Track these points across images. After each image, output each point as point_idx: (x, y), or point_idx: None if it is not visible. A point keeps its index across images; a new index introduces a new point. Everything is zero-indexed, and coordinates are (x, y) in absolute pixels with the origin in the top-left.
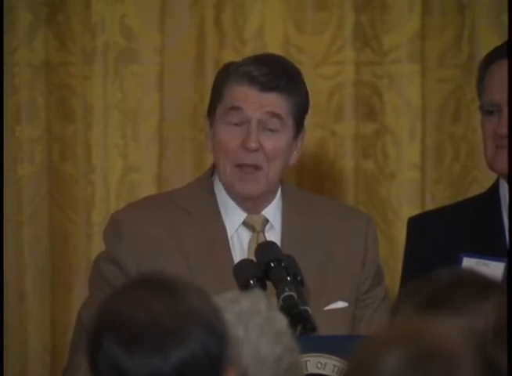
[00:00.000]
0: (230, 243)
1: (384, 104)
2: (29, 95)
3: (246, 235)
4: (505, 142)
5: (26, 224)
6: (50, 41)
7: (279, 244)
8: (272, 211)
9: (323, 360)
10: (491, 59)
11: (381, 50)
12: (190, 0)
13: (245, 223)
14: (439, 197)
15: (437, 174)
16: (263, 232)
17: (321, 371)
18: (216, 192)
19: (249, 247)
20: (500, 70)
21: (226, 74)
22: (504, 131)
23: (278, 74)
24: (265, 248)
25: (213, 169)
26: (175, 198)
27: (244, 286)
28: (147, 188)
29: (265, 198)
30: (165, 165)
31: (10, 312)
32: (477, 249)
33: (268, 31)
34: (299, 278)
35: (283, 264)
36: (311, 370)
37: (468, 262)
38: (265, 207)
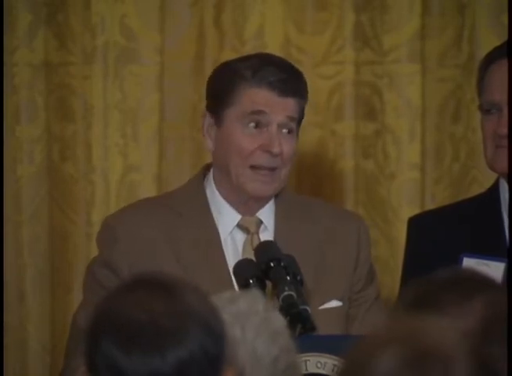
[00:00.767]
0: (223, 244)
1: (384, 104)
2: (29, 95)
3: (240, 237)
4: (505, 142)
5: (26, 224)
6: (50, 41)
7: None
8: (266, 213)
9: (323, 360)
10: (491, 58)
11: (381, 50)
12: (190, 0)
13: (239, 225)
14: (439, 197)
15: (437, 174)
16: (257, 233)
17: (321, 371)
18: (208, 194)
19: (243, 248)
20: (500, 70)
21: (239, 77)
22: (504, 131)
23: (294, 79)
24: (264, 248)
25: (204, 171)
26: (167, 201)
27: (244, 285)
28: (147, 188)
29: (264, 200)
30: (165, 165)
31: (10, 312)
32: (478, 249)
33: (268, 31)
34: (299, 278)
35: (282, 263)
36: (311, 369)
37: (468, 262)
38: (261, 208)
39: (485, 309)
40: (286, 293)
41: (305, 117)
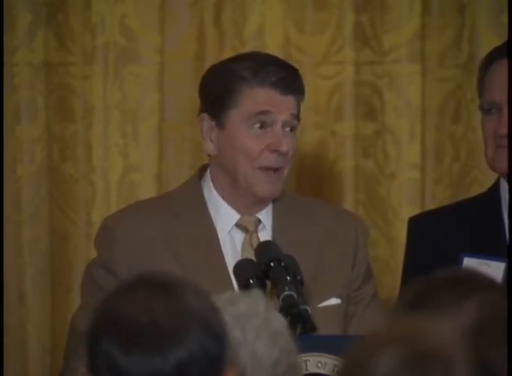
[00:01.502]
0: (222, 244)
1: (384, 104)
2: (29, 95)
3: (238, 236)
4: (505, 142)
5: (26, 224)
6: (50, 41)
7: None
8: (264, 212)
9: (323, 360)
10: (491, 58)
11: (381, 50)
12: (190, 0)
13: (237, 224)
14: (439, 197)
15: (437, 174)
16: (256, 232)
17: (321, 371)
18: (206, 194)
19: (242, 248)
20: (501, 70)
21: (238, 78)
22: (504, 130)
23: (293, 77)
24: (264, 248)
25: (202, 171)
26: (165, 201)
27: (244, 285)
28: (147, 188)
29: (269, 201)
30: (165, 165)
31: (10, 312)
32: (478, 249)
33: (268, 31)
34: (299, 278)
35: (282, 263)
36: (311, 369)
37: (469, 262)
38: (261, 209)
39: (481, 308)
40: (286, 293)
41: (305, 118)
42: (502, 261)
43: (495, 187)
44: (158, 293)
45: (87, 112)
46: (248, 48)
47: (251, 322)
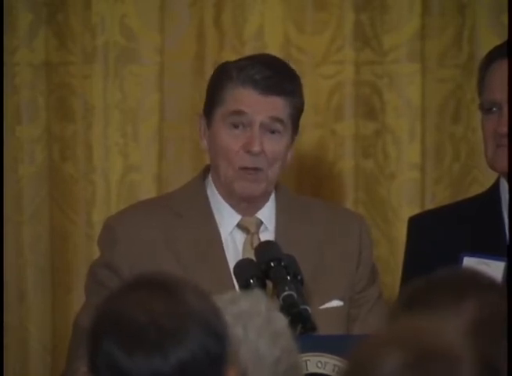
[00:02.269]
0: (224, 245)
1: (384, 104)
2: (29, 95)
3: (240, 237)
4: (505, 141)
5: (26, 224)
6: (50, 40)
7: None
8: (267, 213)
9: (323, 360)
10: (491, 58)
11: (381, 50)
12: (190, 0)
13: (239, 225)
14: (439, 197)
15: (437, 174)
16: (257, 233)
17: (321, 371)
18: (209, 195)
19: (244, 248)
20: (501, 69)
21: (226, 76)
22: (504, 129)
23: (280, 77)
24: (265, 248)
25: (206, 172)
26: (167, 202)
27: (244, 285)
28: (147, 188)
29: (261, 200)
30: (165, 165)
31: (10, 312)
32: (478, 248)
33: (267, 31)
34: (299, 277)
35: (282, 263)
36: (312, 369)
37: (469, 262)
38: (260, 209)
39: (480, 308)
40: (286, 293)
41: (305, 117)
42: (502, 260)
43: (495, 187)
44: (159, 293)
45: (87, 112)
46: (248, 48)
47: (253, 320)
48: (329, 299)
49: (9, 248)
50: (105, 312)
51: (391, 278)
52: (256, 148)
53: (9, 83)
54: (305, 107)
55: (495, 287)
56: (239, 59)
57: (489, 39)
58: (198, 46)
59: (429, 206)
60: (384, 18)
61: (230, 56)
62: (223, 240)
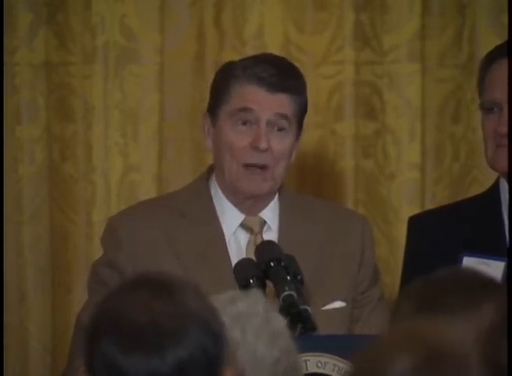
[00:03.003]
0: (227, 245)
1: (384, 104)
2: (29, 95)
3: (243, 237)
4: (505, 141)
5: (26, 224)
6: (50, 40)
7: None
8: (270, 213)
9: (323, 360)
10: (492, 58)
11: (381, 50)
12: (190, 0)
13: (242, 225)
14: (439, 197)
15: (437, 174)
16: (261, 233)
17: (321, 370)
18: (213, 194)
19: (247, 248)
20: (501, 69)
21: (232, 75)
22: (505, 129)
23: (285, 75)
24: (265, 248)
25: (209, 172)
26: (170, 201)
27: (244, 285)
28: (147, 188)
29: (265, 199)
30: (165, 165)
31: (10, 312)
32: (478, 248)
33: (267, 31)
34: (299, 277)
35: (282, 263)
36: (311, 369)
37: (468, 262)
38: (263, 208)
39: (497, 312)
40: (286, 293)
41: (306, 117)
42: (501, 260)
43: (495, 187)
44: (158, 293)
45: (87, 112)
46: (248, 48)
47: (251, 322)
48: (332, 300)
49: (9, 248)
50: (104, 312)
51: (391, 278)
52: (263, 144)
53: (9, 83)
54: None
55: (504, 290)
56: (244, 59)
57: (489, 39)
58: (198, 46)
59: (429, 206)
60: (384, 18)
61: (230, 56)
62: (226, 240)
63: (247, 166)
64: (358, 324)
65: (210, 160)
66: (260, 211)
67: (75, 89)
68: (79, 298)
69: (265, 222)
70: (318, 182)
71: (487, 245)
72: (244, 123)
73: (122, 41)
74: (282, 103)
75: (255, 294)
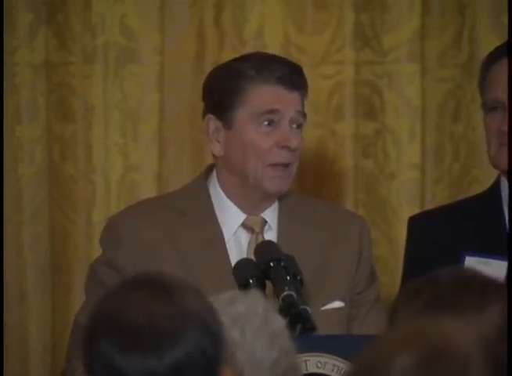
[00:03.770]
0: (227, 244)
1: (383, 104)
2: (29, 95)
3: (244, 236)
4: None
5: (26, 224)
6: (50, 40)
7: None
8: (270, 213)
9: (323, 360)
10: (493, 57)
11: (381, 50)
12: (190, 0)
13: (243, 224)
14: (439, 197)
15: (437, 173)
16: (262, 233)
17: (321, 371)
18: (212, 194)
19: (248, 248)
20: (502, 69)
21: (243, 76)
22: (506, 128)
23: (297, 73)
24: (264, 248)
25: (207, 172)
26: (170, 201)
27: (244, 285)
28: (147, 188)
29: (274, 199)
30: (165, 165)
31: (10, 312)
32: (479, 248)
33: (267, 31)
34: (299, 277)
35: (282, 263)
36: (311, 369)
37: (471, 261)
38: (267, 207)
39: (500, 313)
40: (285, 293)
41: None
42: (504, 260)
43: (496, 186)
44: (156, 293)
45: (87, 112)
46: (248, 48)
47: (250, 322)
48: (331, 300)
49: (9, 248)
50: (102, 312)
51: (391, 278)
52: (294, 143)
53: (8, 83)
54: (305, 107)
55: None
56: (244, 59)
57: (489, 39)
58: (198, 46)
59: (429, 206)
60: (384, 18)
61: (230, 56)
62: (226, 240)
63: (272, 165)
64: (355, 323)
65: (210, 160)
66: (263, 210)
67: (75, 89)
68: (79, 298)
69: (265, 221)
70: (318, 182)
71: (488, 244)
72: (269, 124)
73: (122, 41)
74: (298, 100)
75: (255, 294)
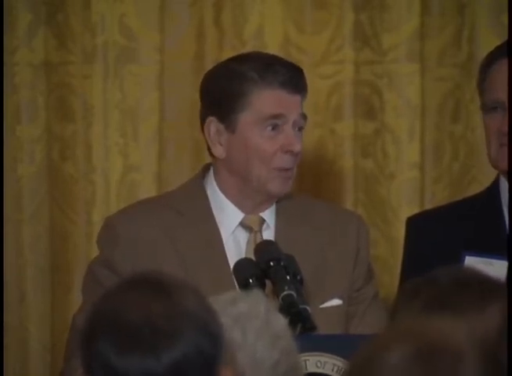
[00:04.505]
0: (226, 243)
1: (383, 103)
2: (29, 95)
3: (243, 235)
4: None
5: (26, 224)
6: (50, 40)
7: None
8: (268, 211)
9: (323, 359)
10: (493, 58)
11: (381, 49)
12: (190, 0)
13: (242, 224)
14: (439, 197)
15: (436, 173)
16: (260, 232)
17: (320, 370)
18: (209, 194)
19: (247, 247)
20: (502, 70)
21: (244, 79)
22: (506, 128)
23: (298, 76)
24: (264, 247)
25: (204, 171)
26: (168, 200)
27: (243, 285)
28: (147, 187)
29: (276, 199)
30: (165, 165)
31: (10, 312)
32: (478, 248)
33: (267, 31)
34: (299, 277)
35: (282, 263)
36: (311, 369)
37: (471, 261)
38: (266, 208)
39: (502, 313)
40: (285, 292)
41: None
42: (504, 259)
43: (495, 185)
44: (155, 293)
45: (87, 112)
46: (248, 48)
47: (252, 323)
48: (330, 298)
49: (9, 248)
50: (100, 312)
51: (390, 278)
52: (297, 148)
53: (8, 83)
54: (305, 107)
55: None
56: (243, 60)
57: (489, 39)
58: (198, 46)
59: (428, 205)
60: (384, 17)
61: (230, 56)
62: (224, 240)
63: (276, 169)
64: (353, 321)
65: (209, 160)
66: (262, 210)
67: (75, 89)
68: (79, 298)
69: (264, 220)
70: (317, 182)
71: (488, 244)
72: (273, 128)
73: (122, 41)
74: (299, 103)
75: (256, 294)
